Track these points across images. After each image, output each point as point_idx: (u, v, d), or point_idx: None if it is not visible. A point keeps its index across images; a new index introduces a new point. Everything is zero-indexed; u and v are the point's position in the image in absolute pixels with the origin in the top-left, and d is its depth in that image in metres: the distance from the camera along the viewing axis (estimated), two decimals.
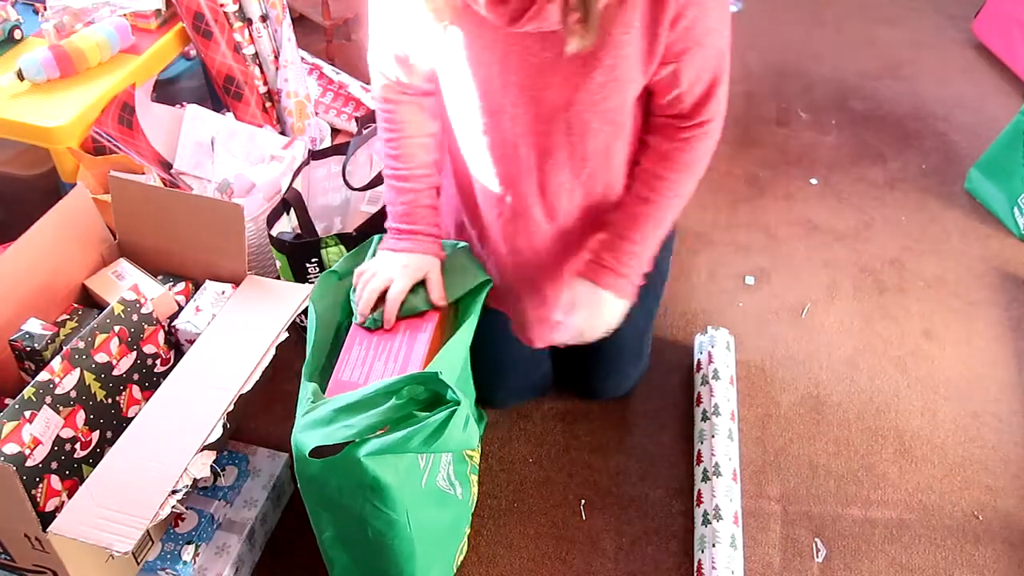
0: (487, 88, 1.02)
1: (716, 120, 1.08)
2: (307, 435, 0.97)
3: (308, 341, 1.11)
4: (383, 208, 1.39)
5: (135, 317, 1.22)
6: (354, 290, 1.13)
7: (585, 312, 1.13)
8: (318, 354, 1.11)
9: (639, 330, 1.45)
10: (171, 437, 1.07)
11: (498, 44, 0.97)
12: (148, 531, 1.13)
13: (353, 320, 1.12)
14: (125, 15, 1.68)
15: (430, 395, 1.00)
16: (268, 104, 1.86)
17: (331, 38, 2.44)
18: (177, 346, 1.30)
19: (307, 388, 1.02)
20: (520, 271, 1.24)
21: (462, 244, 1.23)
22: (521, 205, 1.15)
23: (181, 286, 1.35)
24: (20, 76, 1.52)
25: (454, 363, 1.09)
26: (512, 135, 1.06)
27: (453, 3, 0.93)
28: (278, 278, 1.41)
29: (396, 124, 1.14)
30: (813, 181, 2.13)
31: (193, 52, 1.86)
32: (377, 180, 1.48)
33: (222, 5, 1.67)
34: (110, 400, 1.18)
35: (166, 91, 1.84)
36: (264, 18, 1.75)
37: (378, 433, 0.95)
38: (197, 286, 1.34)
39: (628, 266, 1.12)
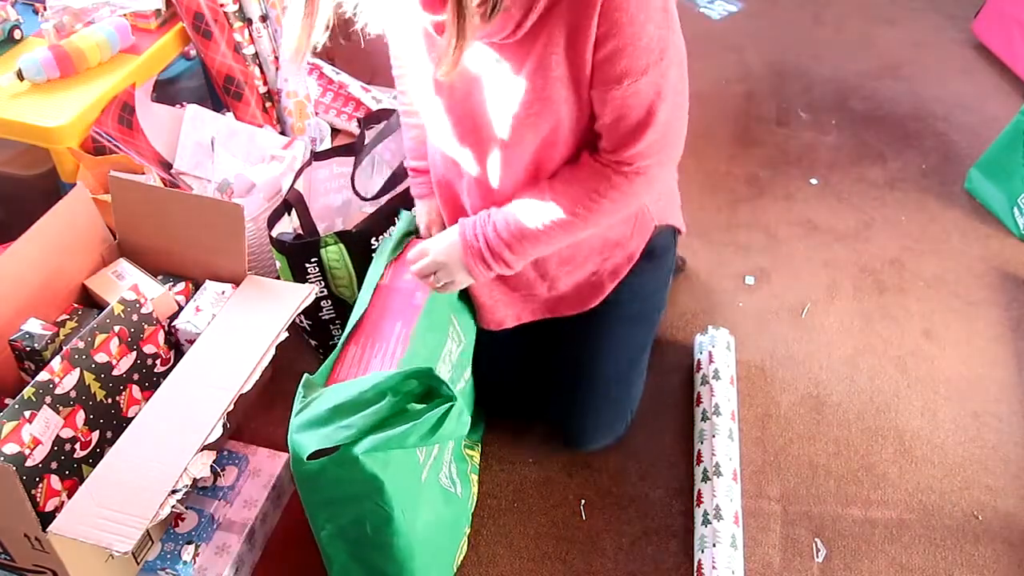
0: (426, 91, 1.09)
1: (648, 162, 1.01)
2: (304, 436, 0.97)
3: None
4: (383, 208, 1.40)
5: (135, 317, 1.22)
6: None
7: (436, 259, 1.14)
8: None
9: (620, 366, 1.36)
10: (171, 437, 1.07)
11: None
12: (148, 531, 1.13)
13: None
14: (125, 15, 1.68)
15: (423, 389, 1.00)
16: (268, 104, 1.86)
17: (331, 38, 2.44)
18: (177, 346, 1.30)
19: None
20: None
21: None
22: (473, 186, 1.17)
23: (181, 286, 1.35)
24: (20, 76, 1.52)
25: (435, 351, 1.12)
26: (457, 134, 1.10)
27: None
28: (278, 278, 1.41)
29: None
30: (813, 181, 2.13)
31: (193, 52, 1.86)
32: (386, 189, 1.49)
33: (222, 5, 1.67)
34: (110, 400, 1.18)
35: (166, 91, 1.84)
36: (264, 18, 1.75)
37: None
38: (197, 286, 1.34)
39: (494, 262, 1.11)
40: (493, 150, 1.07)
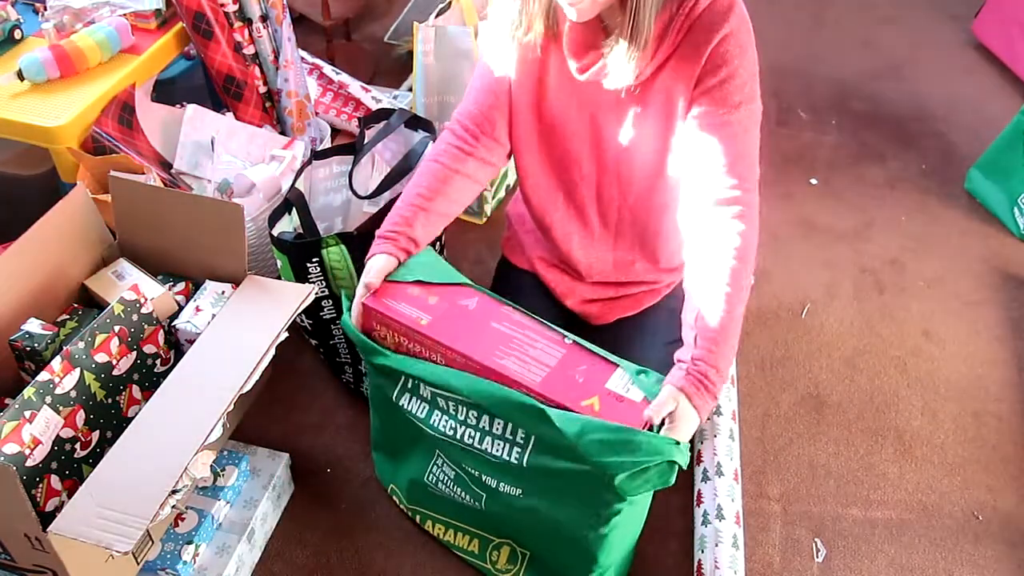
0: (564, 116, 1.22)
1: (753, 196, 1.12)
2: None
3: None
4: (384, 209, 1.40)
5: (135, 317, 1.22)
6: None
7: (678, 427, 1.03)
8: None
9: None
10: (171, 437, 1.07)
11: (573, 86, 1.19)
12: (148, 531, 1.13)
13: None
14: (125, 15, 1.67)
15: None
16: (268, 104, 1.86)
17: (331, 38, 2.44)
18: (177, 346, 1.30)
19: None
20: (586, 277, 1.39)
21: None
22: (582, 206, 1.31)
23: (181, 286, 1.35)
24: (20, 76, 1.52)
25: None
26: (580, 152, 1.26)
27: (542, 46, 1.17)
28: (279, 278, 1.41)
29: (448, 169, 1.26)
30: (813, 181, 2.13)
31: (193, 52, 1.86)
32: (383, 187, 1.48)
33: (222, 5, 1.67)
34: (110, 400, 1.18)
35: (166, 91, 1.84)
36: (264, 18, 1.75)
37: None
38: (197, 286, 1.34)
39: (717, 382, 1.06)
40: (611, 166, 1.24)
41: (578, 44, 1.15)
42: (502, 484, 1.14)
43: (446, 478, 1.24)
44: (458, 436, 1.14)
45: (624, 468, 0.97)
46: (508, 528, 1.24)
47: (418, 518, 1.36)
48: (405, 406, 1.20)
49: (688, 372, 1.05)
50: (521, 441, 1.09)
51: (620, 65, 1.09)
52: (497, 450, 1.11)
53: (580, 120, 1.23)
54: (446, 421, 1.16)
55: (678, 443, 0.99)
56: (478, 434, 1.13)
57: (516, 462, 1.09)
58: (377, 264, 1.19)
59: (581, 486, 1.05)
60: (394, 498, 1.40)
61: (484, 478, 1.16)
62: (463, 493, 1.22)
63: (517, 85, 1.23)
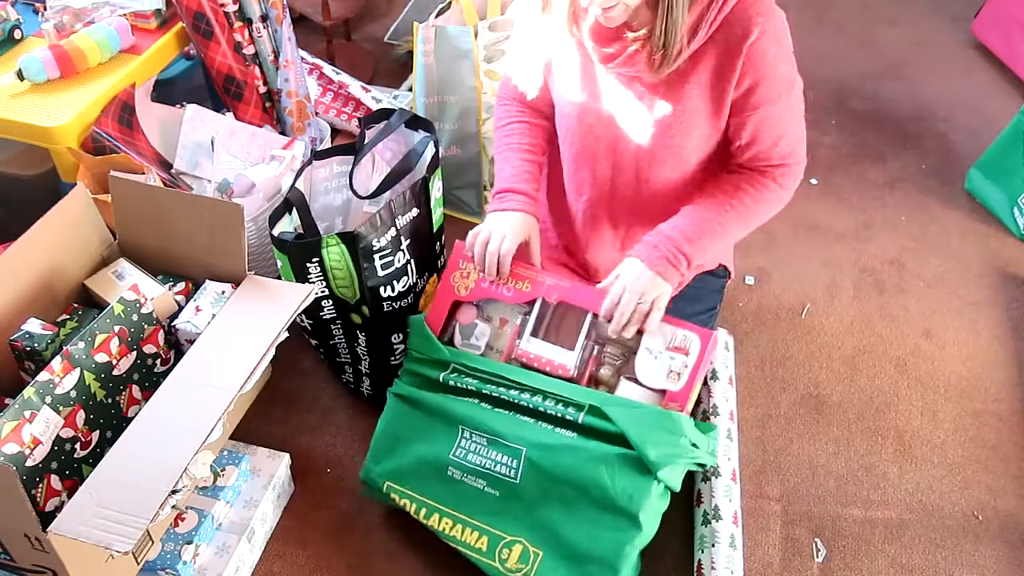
0: (583, 110, 1.21)
1: (798, 163, 1.20)
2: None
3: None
4: (384, 209, 1.40)
5: (135, 317, 1.22)
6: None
7: (624, 282, 1.19)
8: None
9: None
10: (171, 437, 1.07)
11: (596, 76, 1.17)
12: (148, 531, 1.13)
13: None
14: (125, 15, 1.67)
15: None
16: (268, 104, 1.86)
17: (331, 38, 2.44)
18: (177, 346, 1.30)
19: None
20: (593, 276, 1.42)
21: None
22: (594, 208, 1.33)
23: (181, 286, 1.35)
24: (20, 76, 1.52)
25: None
26: (595, 151, 1.25)
27: (566, 37, 1.15)
28: (279, 278, 1.41)
29: (514, 116, 1.33)
30: (813, 181, 2.13)
31: (193, 52, 1.86)
32: (383, 187, 1.48)
33: (222, 5, 1.67)
34: (110, 400, 1.18)
35: (166, 91, 1.84)
36: (264, 18, 1.75)
37: None
38: (197, 286, 1.34)
39: (675, 257, 1.19)
40: (630, 165, 1.25)
41: (602, 30, 1.12)
42: (556, 430, 1.22)
43: (477, 447, 1.26)
44: (514, 399, 1.25)
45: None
46: (530, 512, 1.22)
47: (423, 512, 1.30)
48: (453, 383, 1.30)
49: (644, 242, 1.20)
50: (574, 410, 1.21)
51: (649, 56, 1.07)
52: (551, 410, 1.23)
53: (600, 120, 1.21)
54: (500, 391, 1.26)
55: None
56: (533, 400, 1.25)
57: (571, 419, 1.20)
58: (517, 222, 1.25)
59: (627, 466, 1.15)
60: (394, 496, 1.34)
61: (528, 434, 1.23)
62: (496, 464, 1.24)
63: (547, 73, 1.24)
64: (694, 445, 1.17)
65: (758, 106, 1.11)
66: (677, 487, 1.16)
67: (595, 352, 1.28)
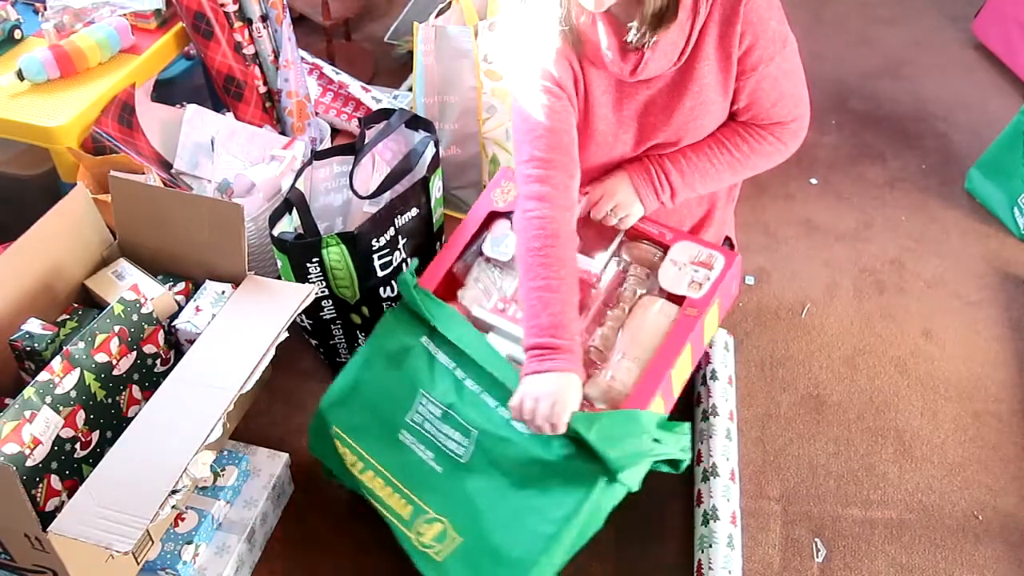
0: (605, 122, 1.23)
1: (796, 121, 1.25)
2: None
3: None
4: (384, 209, 1.40)
5: (135, 317, 1.22)
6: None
7: (604, 188, 1.27)
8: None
9: None
10: (171, 437, 1.07)
11: (615, 88, 1.21)
12: (148, 531, 1.13)
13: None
14: (125, 15, 1.67)
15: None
16: (268, 104, 1.86)
17: (331, 38, 2.44)
18: (177, 346, 1.30)
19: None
20: None
21: None
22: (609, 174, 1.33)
23: (181, 286, 1.35)
24: (20, 76, 1.52)
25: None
26: (622, 152, 1.28)
27: (587, 58, 1.17)
28: (279, 278, 1.41)
29: (547, 226, 1.15)
30: (813, 181, 2.13)
31: (193, 52, 1.86)
32: (383, 187, 1.48)
33: (222, 5, 1.67)
34: (110, 400, 1.18)
35: (166, 91, 1.84)
36: (264, 18, 1.75)
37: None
38: (197, 286, 1.34)
39: (661, 184, 1.25)
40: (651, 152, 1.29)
41: (619, 45, 1.14)
42: (514, 422, 1.17)
43: (432, 417, 1.23)
44: (482, 386, 1.23)
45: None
46: (467, 497, 1.18)
47: (359, 467, 1.25)
48: (427, 348, 1.29)
49: (640, 160, 1.25)
50: None
51: (662, 45, 1.12)
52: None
53: (626, 130, 1.25)
54: (468, 375, 1.25)
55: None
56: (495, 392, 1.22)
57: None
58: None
59: (577, 461, 1.13)
60: (337, 443, 1.28)
61: (485, 419, 1.20)
62: (447, 439, 1.21)
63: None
64: (656, 441, 1.13)
65: (756, 66, 1.15)
66: (636, 486, 1.13)
67: (620, 267, 1.32)
